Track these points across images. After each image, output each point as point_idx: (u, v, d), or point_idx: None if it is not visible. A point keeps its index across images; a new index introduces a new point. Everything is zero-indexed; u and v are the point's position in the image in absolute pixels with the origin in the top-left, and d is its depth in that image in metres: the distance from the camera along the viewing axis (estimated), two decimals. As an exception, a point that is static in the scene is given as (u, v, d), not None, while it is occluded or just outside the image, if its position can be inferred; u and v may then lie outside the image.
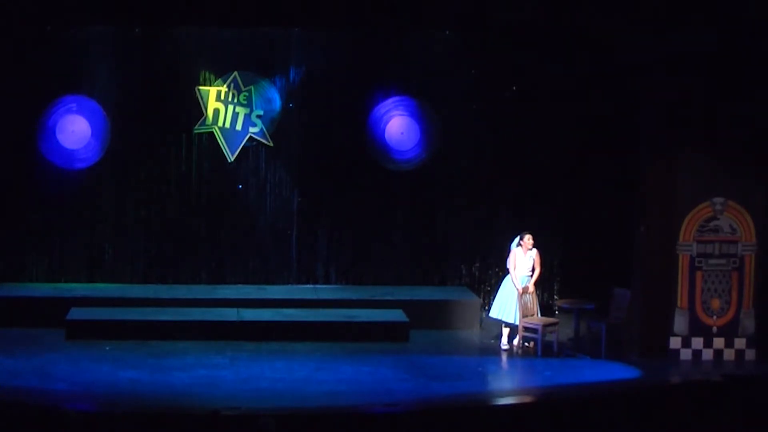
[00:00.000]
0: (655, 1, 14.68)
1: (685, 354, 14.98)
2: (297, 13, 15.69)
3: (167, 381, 13.76)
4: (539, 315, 15.60)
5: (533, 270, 15.59)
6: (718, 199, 14.94)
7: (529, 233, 15.60)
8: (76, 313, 15.85)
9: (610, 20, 15.50)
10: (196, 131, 17.41)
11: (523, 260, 15.55)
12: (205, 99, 17.38)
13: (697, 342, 15.00)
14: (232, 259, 17.57)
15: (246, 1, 15.44)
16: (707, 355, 15.00)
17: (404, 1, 15.57)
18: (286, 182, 17.61)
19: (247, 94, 17.44)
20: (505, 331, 15.60)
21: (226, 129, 17.44)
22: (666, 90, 14.86)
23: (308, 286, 17.57)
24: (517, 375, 15.09)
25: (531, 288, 15.54)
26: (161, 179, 17.40)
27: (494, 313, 15.77)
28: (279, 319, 16.01)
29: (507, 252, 15.77)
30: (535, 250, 15.59)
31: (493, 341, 15.89)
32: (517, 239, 15.64)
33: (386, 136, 17.54)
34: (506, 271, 15.81)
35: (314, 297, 16.92)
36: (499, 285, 16.00)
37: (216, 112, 17.39)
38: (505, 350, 15.53)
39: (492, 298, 16.33)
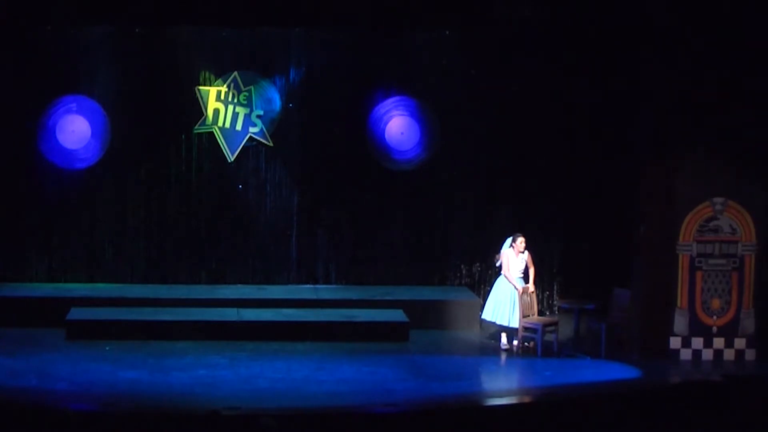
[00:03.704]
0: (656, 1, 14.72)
1: (685, 354, 14.98)
2: (297, 13, 15.70)
3: (167, 381, 13.76)
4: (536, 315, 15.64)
5: (526, 271, 15.59)
6: (718, 199, 14.93)
7: (522, 236, 15.60)
8: (76, 313, 15.85)
9: (609, 20, 15.54)
10: (196, 131, 17.41)
11: (515, 262, 15.56)
12: (205, 99, 17.38)
13: (697, 342, 14.99)
14: (232, 259, 17.57)
15: (246, 1, 15.44)
16: (707, 355, 15.00)
17: (404, 1, 15.57)
18: (286, 182, 17.61)
19: (247, 94, 17.44)
20: (503, 332, 15.62)
21: (226, 129, 17.44)
22: (666, 90, 14.86)
23: (308, 286, 17.56)
24: (517, 375, 15.08)
25: (531, 288, 15.55)
26: (161, 179, 17.40)
27: (487, 315, 15.77)
28: (279, 319, 16.01)
29: (499, 253, 15.77)
30: (526, 252, 15.61)
31: (492, 341, 15.88)
32: (509, 241, 15.64)
33: (386, 136, 17.54)
34: (498, 273, 15.82)
35: (314, 297, 16.92)
36: (491, 287, 16.01)
37: (216, 112, 17.39)
38: (505, 350, 15.53)
39: (484, 299, 16.32)
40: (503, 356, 15.43)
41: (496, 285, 15.77)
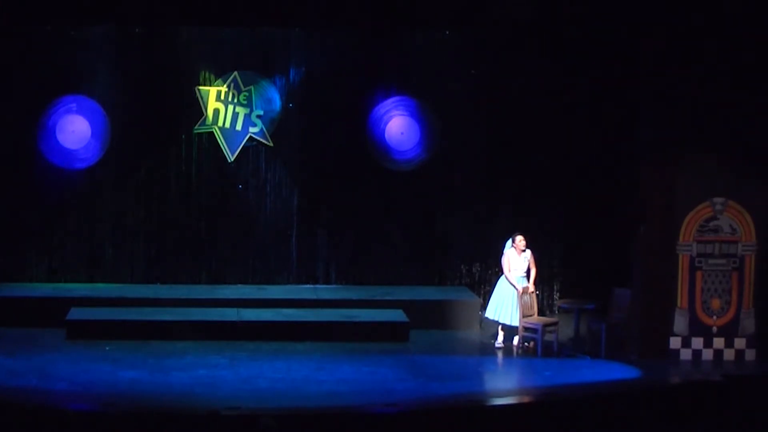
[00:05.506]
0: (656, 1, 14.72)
1: (685, 354, 14.98)
2: (297, 13, 15.69)
3: (167, 381, 13.77)
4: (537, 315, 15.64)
5: (528, 271, 15.60)
6: (718, 199, 14.94)
7: (521, 234, 15.60)
8: (76, 313, 15.85)
9: (609, 20, 15.53)
10: (196, 131, 17.41)
11: (517, 261, 15.56)
12: (205, 99, 17.38)
13: (697, 342, 15.00)
14: (232, 259, 17.57)
15: (246, 1, 15.44)
16: (707, 355, 15.01)
17: (404, 1, 15.57)
18: (286, 182, 17.61)
19: (247, 94, 17.44)
20: (501, 330, 15.61)
21: (226, 129, 17.44)
22: (666, 90, 14.86)
23: (308, 286, 17.57)
24: (517, 375, 15.08)
25: (531, 288, 15.55)
26: (161, 179, 17.40)
27: (490, 313, 15.77)
28: (279, 319, 16.02)
29: (501, 254, 15.76)
30: (529, 251, 15.61)
31: (492, 341, 15.88)
32: (509, 241, 15.65)
33: (386, 136, 17.54)
34: (501, 272, 15.82)
35: (314, 297, 16.92)
36: (494, 286, 16.01)
37: (216, 112, 17.39)
38: (498, 348, 15.53)
39: (487, 298, 16.32)
40: (499, 354, 15.43)
41: (499, 284, 15.77)
